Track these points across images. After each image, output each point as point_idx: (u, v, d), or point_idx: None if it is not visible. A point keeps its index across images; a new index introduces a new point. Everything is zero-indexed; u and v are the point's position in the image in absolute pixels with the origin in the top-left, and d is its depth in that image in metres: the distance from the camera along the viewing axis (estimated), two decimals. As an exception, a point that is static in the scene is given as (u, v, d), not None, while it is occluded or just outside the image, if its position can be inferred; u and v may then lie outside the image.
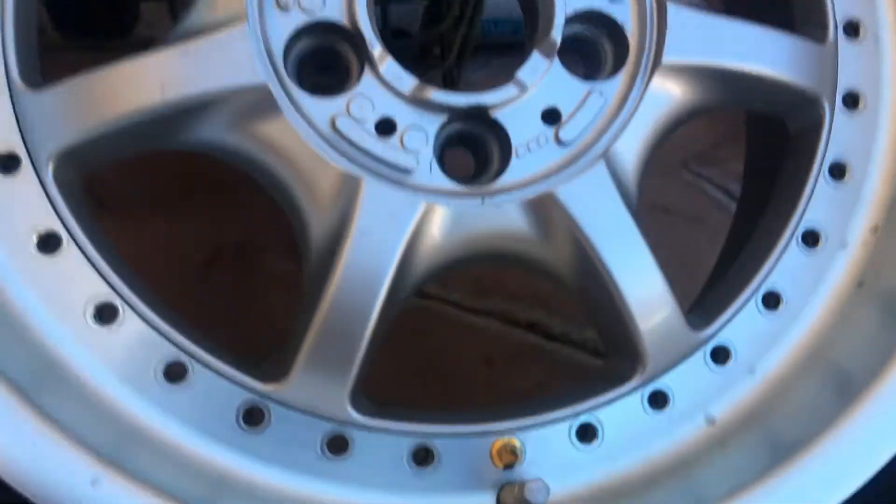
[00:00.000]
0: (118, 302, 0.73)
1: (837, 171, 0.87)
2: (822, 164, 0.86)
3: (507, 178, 0.78)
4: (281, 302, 1.44)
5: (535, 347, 1.51)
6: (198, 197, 1.58)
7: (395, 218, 0.74)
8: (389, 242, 0.74)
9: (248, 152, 0.75)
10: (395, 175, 0.76)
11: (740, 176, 1.91)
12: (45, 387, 0.68)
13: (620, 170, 0.79)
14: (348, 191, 0.74)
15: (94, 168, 0.76)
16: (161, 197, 1.57)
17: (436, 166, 0.78)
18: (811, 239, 0.87)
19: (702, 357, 0.83)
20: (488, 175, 0.80)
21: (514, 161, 0.79)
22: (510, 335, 1.52)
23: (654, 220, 1.73)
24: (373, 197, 0.74)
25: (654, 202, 1.76)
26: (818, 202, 0.86)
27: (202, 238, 1.56)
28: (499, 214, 0.77)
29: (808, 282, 0.86)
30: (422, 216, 0.75)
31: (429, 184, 0.77)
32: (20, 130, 0.72)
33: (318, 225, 0.75)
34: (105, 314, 0.73)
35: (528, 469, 0.77)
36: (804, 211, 0.86)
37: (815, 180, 0.86)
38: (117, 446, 0.68)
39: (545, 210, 0.78)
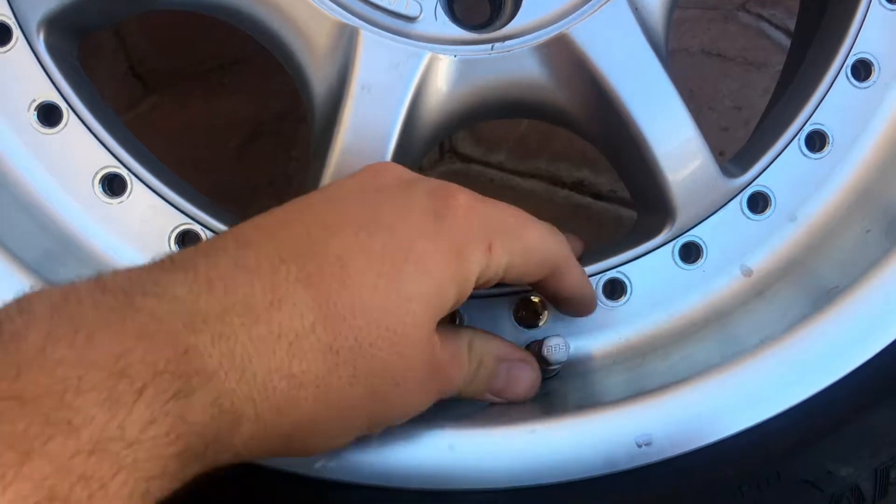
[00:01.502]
0: (125, 173, 0.72)
1: (892, -9, 0.78)
2: (874, -19, 0.77)
3: (519, 21, 0.73)
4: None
5: (582, 207, 1.47)
6: (235, 72, 1.56)
7: (397, 71, 0.70)
8: (393, 97, 0.70)
9: (240, 6, 0.71)
10: (397, 24, 0.71)
11: (804, 15, 1.77)
12: (61, 263, 0.68)
13: (643, 4, 0.73)
14: (346, 43, 0.70)
15: (87, 33, 0.74)
16: (199, 73, 1.55)
17: (442, 13, 0.72)
18: (863, 70, 0.79)
19: (738, 206, 0.78)
20: (502, 20, 0.75)
21: (525, 2, 0.73)
22: (556, 195, 1.48)
23: (709, 66, 1.64)
24: (372, 49, 0.69)
25: (709, 47, 1.66)
26: (871, 28, 0.78)
27: (242, 113, 1.54)
28: (510, 62, 0.72)
29: (857, 119, 0.79)
30: (426, 68, 0.70)
31: (434, 32, 0.72)
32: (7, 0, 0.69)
33: (318, 83, 0.72)
34: (114, 186, 0.72)
35: (551, 328, 0.75)
36: (855, 39, 0.78)
37: (869, 2, 0.77)
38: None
39: (560, 53, 0.72)
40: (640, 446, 0.63)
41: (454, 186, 0.60)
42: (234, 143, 1.52)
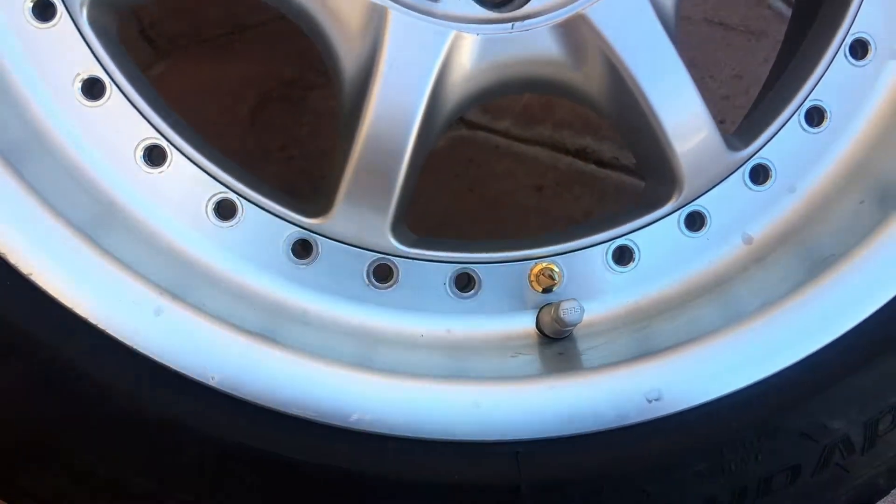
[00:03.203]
0: (165, 144, 0.76)
1: (889, -25, 0.82)
2: (871, -33, 0.81)
3: (538, 1, 0.77)
4: (332, 140, 1.46)
5: (586, 174, 1.51)
6: (245, 37, 1.58)
7: (424, 49, 0.74)
8: (420, 74, 0.74)
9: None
10: (423, 4, 0.75)
11: (804, -15, 1.80)
12: (106, 228, 0.72)
13: (656, -14, 0.77)
14: (376, 22, 0.73)
15: (127, 9, 0.77)
16: (210, 38, 1.57)
17: (465, -7, 0.76)
18: (860, 49, 0.83)
19: (740, 177, 0.83)
20: (519, 0, 0.79)
21: (545, -17, 0.77)
22: (559, 162, 1.52)
23: (710, 35, 1.66)
24: (400, 28, 0.73)
25: (710, 16, 1.68)
26: (868, 9, 0.82)
27: (252, 78, 1.56)
28: (529, 40, 0.76)
29: (854, 96, 0.83)
30: (451, 46, 0.74)
31: (457, 12, 0.76)
32: (51, -23, 0.72)
33: (348, 59, 0.76)
34: (154, 156, 0.76)
35: (566, 291, 0.80)
36: (853, 20, 0.82)
37: (867, -15, 0.81)
38: (177, 281, 0.72)
39: (577, 32, 0.76)
40: (650, 401, 0.69)
41: None
42: (246, 108, 1.55)
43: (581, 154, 1.53)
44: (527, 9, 0.77)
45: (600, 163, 1.52)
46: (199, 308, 0.68)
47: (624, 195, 1.47)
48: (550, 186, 1.47)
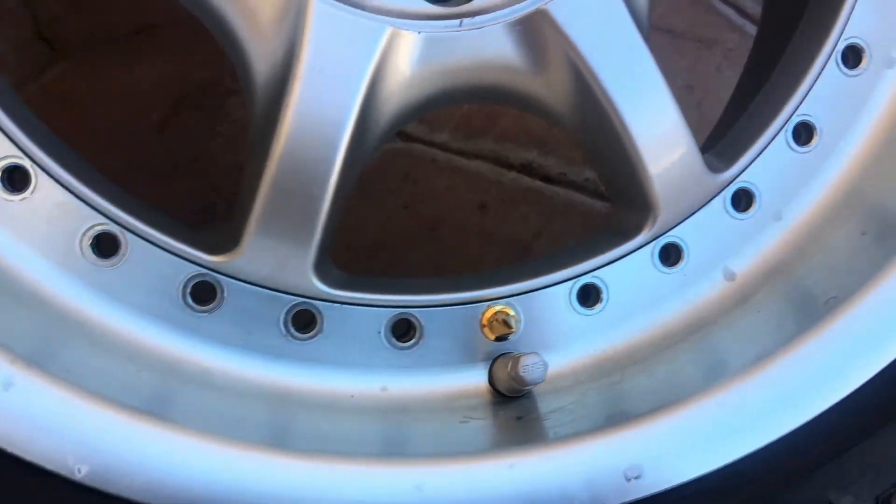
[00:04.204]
0: (28, 164, 0.61)
1: (891, -28, 0.72)
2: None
3: (491, -6, 0.64)
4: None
5: (532, 190, 1.41)
6: (157, 36, 1.43)
7: (353, 48, 0.60)
8: (348, 79, 0.61)
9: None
10: (353, -5, 0.62)
11: (755, -10, 1.72)
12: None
13: (629, -20, 0.65)
14: (294, 15, 0.60)
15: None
16: (117, 38, 1.42)
17: (404, -17, 0.63)
18: (853, 57, 0.74)
19: (721, 203, 0.72)
20: (469, -8, 0.66)
21: (498, -27, 0.64)
22: (503, 178, 1.41)
23: (658, 43, 1.57)
24: (324, 22, 0.60)
25: (657, 24, 1.60)
26: (862, 12, 0.72)
27: (163, 82, 1.42)
28: (481, 40, 0.64)
29: (847, 109, 0.73)
30: (386, 45, 0.61)
31: (395, 5, 0.63)
32: None
33: (261, 61, 0.62)
34: (15, 180, 0.61)
35: (523, 339, 0.68)
36: (846, 21, 0.72)
37: (862, -16, 0.71)
38: (42, 336, 0.58)
39: (537, 31, 0.64)
40: (628, 480, 0.57)
41: None
42: (155, 116, 1.40)
43: (526, 169, 1.42)
44: (478, 3, 0.64)
45: (547, 179, 1.41)
46: (63, 378, 0.53)
47: (573, 213, 1.37)
48: (494, 204, 1.36)
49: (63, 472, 0.50)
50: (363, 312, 0.66)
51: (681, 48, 1.59)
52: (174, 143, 1.38)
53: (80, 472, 0.50)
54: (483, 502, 0.56)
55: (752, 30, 1.62)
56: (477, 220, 1.35)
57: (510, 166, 1.42)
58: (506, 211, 1.40)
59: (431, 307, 0.67)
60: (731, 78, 1.56)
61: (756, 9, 1.65)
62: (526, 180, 1.40)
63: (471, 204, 1.37)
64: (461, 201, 1.36)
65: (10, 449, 0.50)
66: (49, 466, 0.50)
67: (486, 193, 1.38)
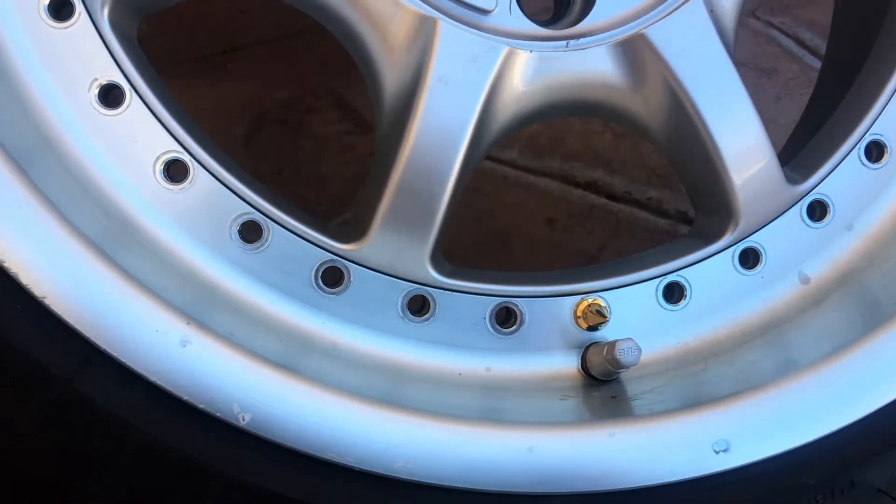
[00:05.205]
0: (187, 159, 0.70)
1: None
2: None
3: (594, 18, 0.72)
4: (332, 165, 1.40)
5: (597, 207, 1.47)
6: (240, 56, 1.53)
7: (475, 64, 0.68)
8: (470, 91, 0.69)
9: (315, -6, 0.69)
10: (473, 17, 0.70)
11: (812, 23, 1.78)
12: (122, 245, 0.65)
13: (719, 6, 0.72)
14: (424, 35, 0.68)
15: (148, 12, 0.71)
16: (204, 55, 1.52)
17: (516, 7, 0.71)
18: (923, 82, 0.80)
19: (797, 213, 0.78)
20: (571, 16, 0.74)
21: (599, 0, 0.72)
22: (570, 195, 1.48)
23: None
24: (450, 41, 0.68)
25: (720, 54, 1.66)
26: (935, 41, 0.79)
27: (247, 99, 1.51)
28: (585, 59, 0.72)
29: (917, 130, 0.79)
30: (503, 62, 0.69)
31: (509, 27, 0.71)
32: (71, -26, 0.66)
33: (392, 75, 0.70)
34: (175, 172, 0.70)
35: (612, 330, 0.75)
36: (919, 50, 0.79)
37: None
38: (197, 307, 0.66)
39: (636, 53, 0.71)
40: (717, 452, 0.63)
41: None
42: (240, 130, 1.49)
43: (592, 187, 1.49)
44: (583, 26, 0.72)
45: (612, 196, 1.48)
46: (223, 336, 0.61)
47: (637, 230, 1.43)
48: (562, 219, 1.43)
49: (230, 419, 0.58)
50: (470, 300, 0.73)
51: (742, 77, 1.65)
52: (259, 156, 1.47)
53: (243, 419, 0.58)
54: (586, 465, 0.62)
55: (810, 61, 1.68)
56: (545, 233, 1.42)
57: (577, 184, 1.48)
58: (572, 226, 1.46)
59: (531, 297, 0.74)
60: (789, 105, 1.62)
61: (815, 41, 1.71)
62: (592, 197, 1.47)
63: (539, 218, 1.43)
64: (530, 216, 1.43)
65: (188, 399, 0.58)
66: (218, 414, 0.58)
67: (554, 209, 1.45)
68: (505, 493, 0.61)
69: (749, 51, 1.69)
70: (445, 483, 0.60)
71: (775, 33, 1.71)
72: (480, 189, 1.41)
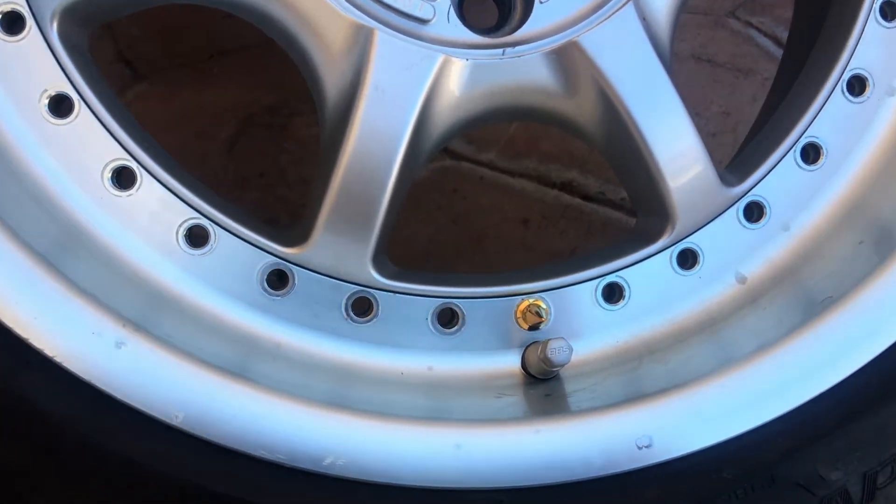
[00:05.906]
0: (135, 166, 0.72)
1: (889, 10, 0.80)
2: (872, 1, 0.79)
3: (530, 27, 0.74)
4: (315, 168, 1.43)
5: (572, 208, 1.49)
6: (226, 61, 1.55)
7: (411, 72, 0.71)
8: (406, 99, 0.71)
9: (254, 2, 0.71)
10: (411, 26, 0.72)
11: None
12: (68, 252, 0.68)
13: (651, 15, 0.74)
14: (361, 44, 0.70)
15: (96, 25, 0.74)
16: (191, 62, 1.54)
17: (454, 16, 0.73)
18: (857, 86, 0.81)
19: (734, 214, 0.80)
20: (511, 25, 0.76)
21: (537, 8, 0.74)
22: (546, 196, 1.50)
23: (699, 71, 1.66)
24: (387, 50, 0.70)
25: (699, 53, 1.68)
26: (867, 45, 0.80)
27: (234, 103, 1.53)
28: (521, 67, 0.74)
29: (851, 133, 0.81)
30: (439, 70, 0.71)
31: (447, 35, 0.73)
32: (21, -11, 0.69)
33: (332, 82, 0.73)
34: (123, 179, 0.73)
35: (553, 329, 0.77)
36: (851, 55, 0.80)
37: (865, 20, 0.79)
38: (142, 310, 0.68)
39: (570, 60, 0.74)
40: (640, 448, 0.65)
41: None
42: (225, 134, 1.52)
43: (567, 188, 1.50)
44: (519, 35, 0.74)
45: (586, 197, 1.50)
46: (164, 341, 0.63)
47: (610, 230, 1.45)
48: (536, 220, 1.45)
49: (164, 418, 0.61)
50: (413, 301, 0.76)
51: (720, 77, 1.66)
52: (242, 160, 1.49)
53: (177, 418, 0.61)
54: (512, 462, 0.64)
55: (788, 61, 1.69)
56: (520, 234, 1.44)
57: (552, 185, 1.50)
58: (546, 226, 1.48)
59: (473, 298, 0.77)
60: (765, 105, 1.63)
61: (793, 41, 1.72)
62: (566, 198, 1.49)
63: (514, 219, 1.45)
64: (505, 216, 1.45)
65: (122, 398, 0.60)
66: (153, 413, 0.61)
67: (529, 210, 1.47)
68: (432, 489, 0.63)
69: (727, 51, 1.70)
70: (374, 479, 0.62)
71: (754, 33, 1.72)
72: (458, 190, 1.43)
